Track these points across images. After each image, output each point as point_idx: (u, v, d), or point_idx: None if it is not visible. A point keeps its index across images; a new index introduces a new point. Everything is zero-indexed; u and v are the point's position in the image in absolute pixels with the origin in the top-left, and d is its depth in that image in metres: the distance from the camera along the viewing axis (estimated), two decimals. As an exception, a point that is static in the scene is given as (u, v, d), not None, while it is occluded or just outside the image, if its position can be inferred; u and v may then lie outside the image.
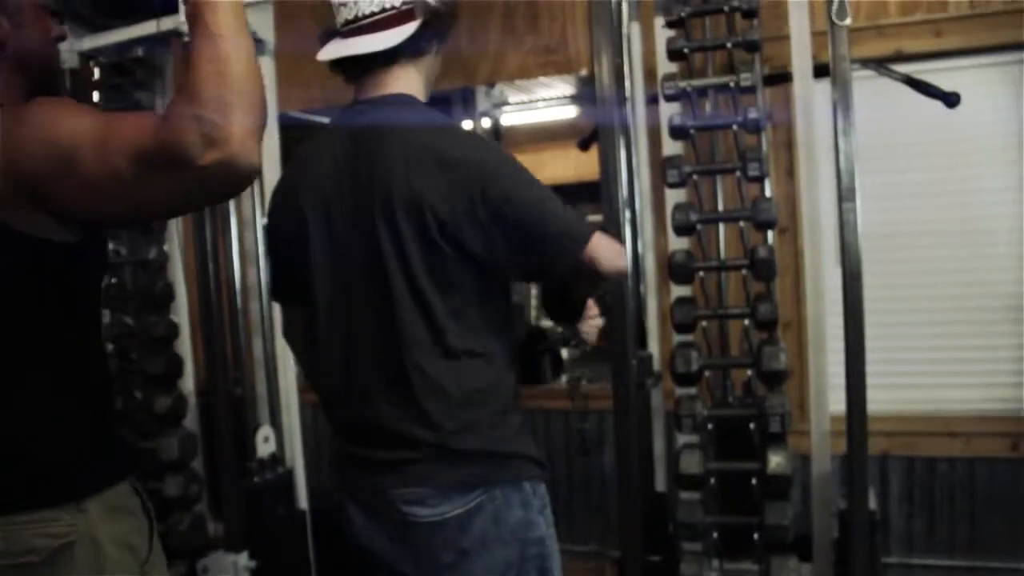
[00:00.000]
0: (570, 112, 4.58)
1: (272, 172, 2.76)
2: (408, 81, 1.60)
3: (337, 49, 1.59)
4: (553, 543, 1.60)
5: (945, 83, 2.86)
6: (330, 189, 1.57)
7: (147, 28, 2.75)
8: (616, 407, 2.29)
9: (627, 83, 2.54)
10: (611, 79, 2.28)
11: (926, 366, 3.19)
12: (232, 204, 2.82)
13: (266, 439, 2.91)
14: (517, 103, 4.47)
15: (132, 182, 1.11)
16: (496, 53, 3.54)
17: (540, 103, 4.45)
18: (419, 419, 1.53)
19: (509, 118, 4.67)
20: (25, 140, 1.16)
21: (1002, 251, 3.09)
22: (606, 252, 1.53)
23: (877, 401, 3.13)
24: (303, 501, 2.98)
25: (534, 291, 5.94)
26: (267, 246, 1.78)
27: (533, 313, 5.77)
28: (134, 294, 2.90)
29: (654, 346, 2.77)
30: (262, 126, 1.12)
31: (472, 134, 1.52)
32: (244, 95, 1.09)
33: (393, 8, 1.55)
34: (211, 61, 1.08)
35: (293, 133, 2.85)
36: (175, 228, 2.94)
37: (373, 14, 1.56)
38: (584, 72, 3.39)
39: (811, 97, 2.45)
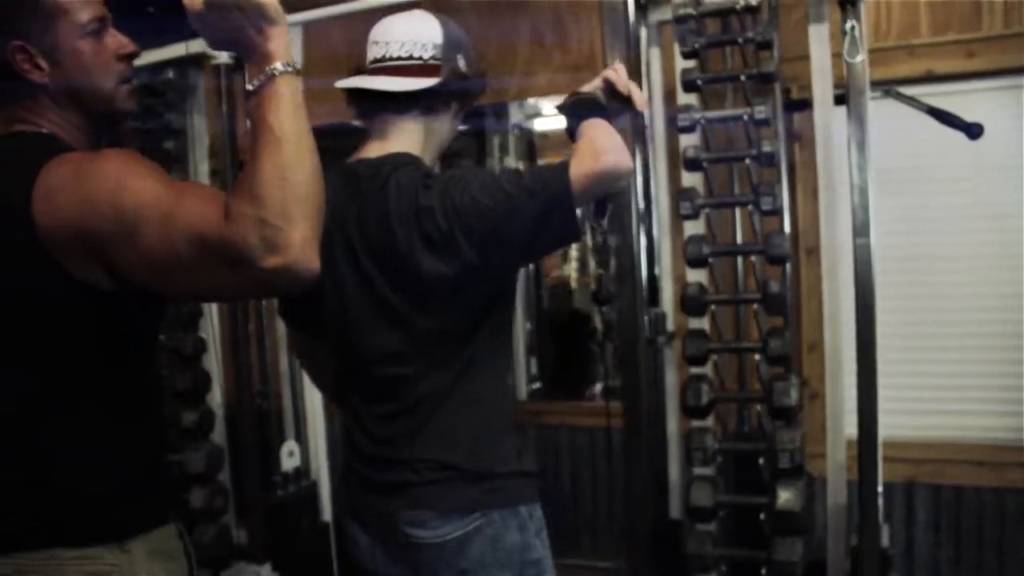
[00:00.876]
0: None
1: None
2: (414, 138, 1.63)
3: (356, 81, 1.64)
4: (549, 564, 1.65)
5: (977, 104, 2.82)
6: (334, 231, 1.60)
7: (176, 51, 2.82)
8: (624, 362, 2.32)
9: (646, 109, 2.54)
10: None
11: (953, 392, 3.13)
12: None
13: (291, 453, 2.97)
14: (551, 114, 4.47)
15: (190, 267, 1.15)
16: (525, 71, 3.56)
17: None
18: (424, 442, 1.60)
19: (543, 124, 4.68)
20: (91, 196, 1.19)
21: (1033, 276, 3.03)
22: (586, 173, 1.46)
23: (902, 427, 3.11)
24: (327, 514, 3.03)
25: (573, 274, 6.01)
26: None
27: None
28: (163, 311, 2.98)
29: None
30: (316, 221, 1.15)
31: (448, 179, 1.56)
32: (306, 201, 1.13)
33: (420, 59, 1.59)
34: (274, 166, 1.13)
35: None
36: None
37: (400, 59, 1.61)
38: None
39: (831, 126, 2.42)
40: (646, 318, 2.38)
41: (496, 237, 1.48)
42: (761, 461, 2.32)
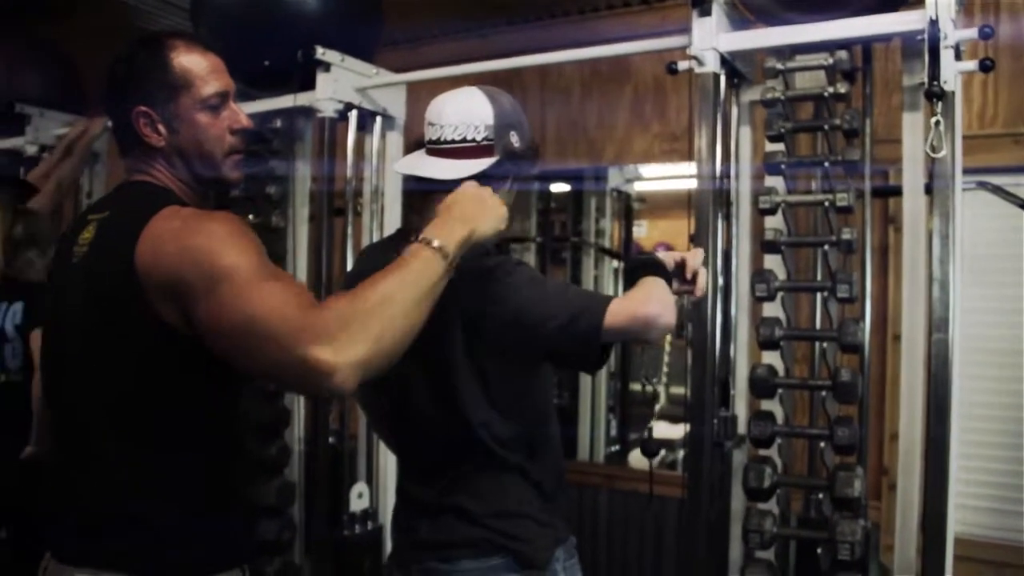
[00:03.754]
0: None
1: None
2: None
3: (410, 164, 1.75)
4: None
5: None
6: None
7: (285, 101, 2.97)
8: (690, 464, 2.29)
9: (732, 185, 2.54)
10: (713, 179, 2.31)
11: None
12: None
13: (360, 495, 3.03)
14: (649, 177, 4.50)
15: (253, 336, 1.23)
16: (623, 137, 3.62)
17: (673, 178, 4.46)
18: (460, 503, 1.69)
19: (641, 187, 4.71)
20: (191, 247, 1.30)
21: None
22: (628, 312, 1.55)
23: (984, 527, 2.99)
24: (389, 557, 3.08)
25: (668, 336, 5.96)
26: None
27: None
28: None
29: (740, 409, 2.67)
30: (373, 363, 1.23)
31: (505, 263, 1.65)
32: (385, 333, 1.23)
33: (473, 141, 1.67)
34: (385, 294, 1.25)
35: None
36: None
37: (453, 142, 1.68)
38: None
39: (921, 216, 2.37)
40: (715, 421, 2.33)
41: (525, 338, 1.59)
42: (819, 551, 2.26)
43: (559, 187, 4.49)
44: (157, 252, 1.31)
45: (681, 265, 1.74)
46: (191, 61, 1.49)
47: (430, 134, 1.71)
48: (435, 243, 1.34)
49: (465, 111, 1.69)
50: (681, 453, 4.94)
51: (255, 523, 2.98)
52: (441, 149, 1.69)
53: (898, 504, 2.42)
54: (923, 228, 2.37)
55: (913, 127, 2.37)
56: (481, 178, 1.64)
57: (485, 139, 1.66)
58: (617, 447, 4.43)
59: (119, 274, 1.34)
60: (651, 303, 1.57)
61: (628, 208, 4.57)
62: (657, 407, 5.72)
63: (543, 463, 1.76)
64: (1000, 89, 3.03)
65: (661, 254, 1.76)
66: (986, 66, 2.11)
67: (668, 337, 6.07)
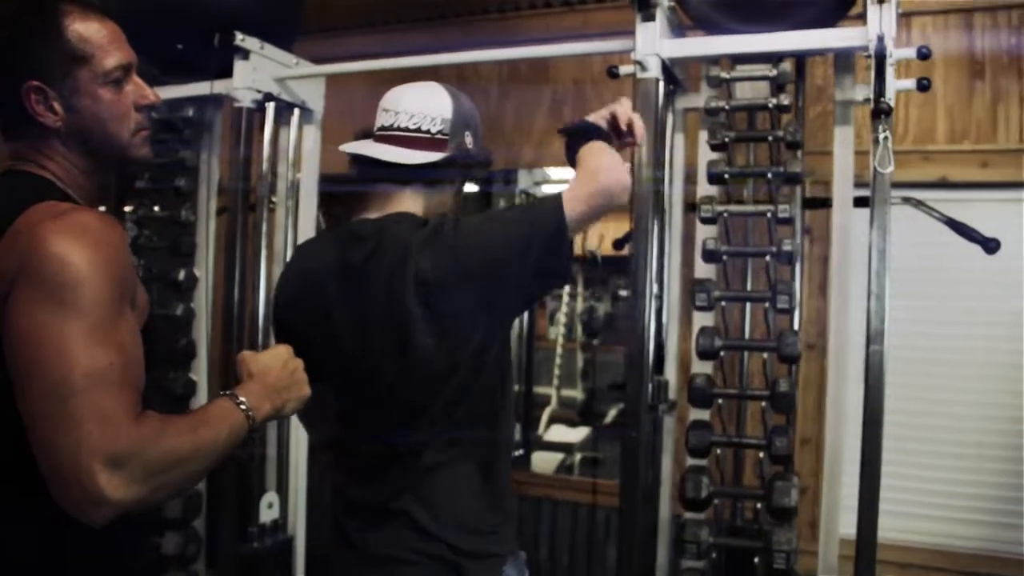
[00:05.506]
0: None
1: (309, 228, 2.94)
2: (416, 205, 1.65)
3: (362, 147, 1.67)
4: None
5: (990, 213, 2.85)
6: (331, 288, 1.61)
7: (201, 88, 2.80)
8: (625, 473, 2.25)
9: (666, 193, 2.53)
10: (649, 192, 2.28)
11: (946, 499, 3.11)
12: (264, 270, 2.83)
13: (270, 505, 2.90)
14: (559, 180, 4.48)
15: (44, 410, 1.10)
16: (540, 139, 3.58)
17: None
18: (410, 510, 1.59)
19: (551, 190, 4.70)
20: (28, 272, 1.14)
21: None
22: (582, 190, 1.50)
23: (892, 529, 3.08)
24: (300, 571, 2.96)
25: (560, 339, 5.97)
26: (275, 333, 1.79)
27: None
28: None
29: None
30: (137, 507, 1.11)
31: (442, 222, 1.57)
32: (168, 487, 1.14)
33: (428, 132, 1.61)
34: (194, 449, 1.16)
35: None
36: (204, 288, 2.97)
37: (407, 130, 1.63)
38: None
39: (850, 228, 2.42)
40: (650, 384, 2.31)
41: (489, 269, 1.49)
42: (756, 560, 2.28)
43: (468, 188, 4.42)
44: (5, 255, 1.16)
45: (614, 120, 1.72)
46: (89, 29, 1.30)
47: (383, 120, 1.66)
48: (248, 412, 1.26)
49: (425, 102, 1.65)
50: (579, 456, 4.97)
51: (140, 541, 2.81)
52: (393, 136, 1.64)
53: (823, 511, 2.46)
54: (852, 241, 2.43)
55: (844, 141, 2.42)
56: (430, 170, 1.60)
57: (440, 132, 1.62)
58: (521, 451, 4.39)
59: None
60: (598, 174, 1.51)
61: (536, 211, 4.53)
62: (548, 410, 5.72)
63: (497, 464, 1.68)
64: (911, 107, 3.13)
65: (592, 116, 1.74)
66: (923, 85, 2.17)
67: (560, 339, 6.10)
